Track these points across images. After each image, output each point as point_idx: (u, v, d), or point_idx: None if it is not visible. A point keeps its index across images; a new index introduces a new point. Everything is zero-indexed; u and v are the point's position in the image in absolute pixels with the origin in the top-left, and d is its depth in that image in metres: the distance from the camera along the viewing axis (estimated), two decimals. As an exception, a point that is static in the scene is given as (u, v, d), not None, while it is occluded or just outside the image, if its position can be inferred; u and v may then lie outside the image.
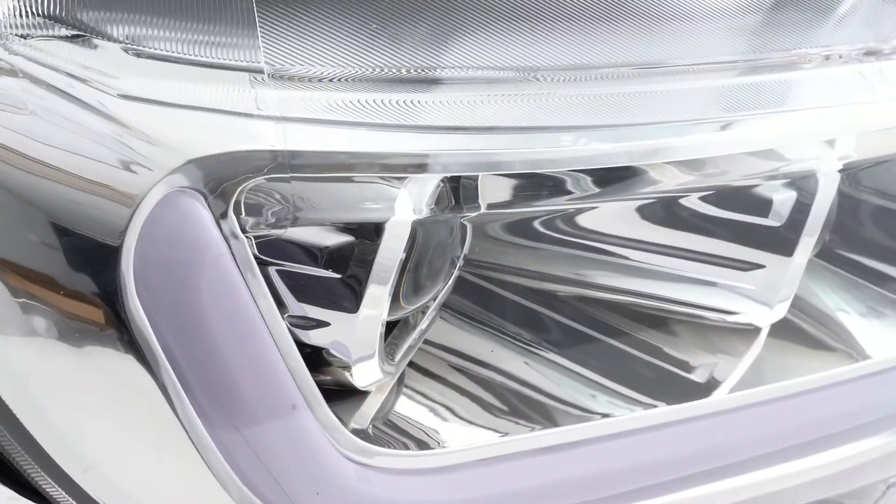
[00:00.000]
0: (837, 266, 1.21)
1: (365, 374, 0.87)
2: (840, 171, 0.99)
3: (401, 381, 0.98)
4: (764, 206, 0.97)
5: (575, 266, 1.03)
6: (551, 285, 1.05)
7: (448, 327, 1.05)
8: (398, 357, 0.92)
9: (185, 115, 0.76)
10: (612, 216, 1.00)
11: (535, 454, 0.91)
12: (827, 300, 1.19)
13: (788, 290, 1.00)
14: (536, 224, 1.02)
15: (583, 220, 1.00)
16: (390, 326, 0.94)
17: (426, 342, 1.02)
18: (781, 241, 0.97)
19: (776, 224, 0.97)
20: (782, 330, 1.13)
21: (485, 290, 1.07)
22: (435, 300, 0.95)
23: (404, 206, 0.80)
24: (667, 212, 0.99)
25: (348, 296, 0.82)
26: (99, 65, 0.77)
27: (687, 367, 1.07)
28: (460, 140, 0.80)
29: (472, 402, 0.97)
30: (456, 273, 0.97)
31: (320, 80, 0.79)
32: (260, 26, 0.78)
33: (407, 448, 0.89)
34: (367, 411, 0.91)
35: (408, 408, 0.94)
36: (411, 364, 0.99)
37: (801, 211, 0.96)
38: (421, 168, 0.79)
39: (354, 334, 0.84)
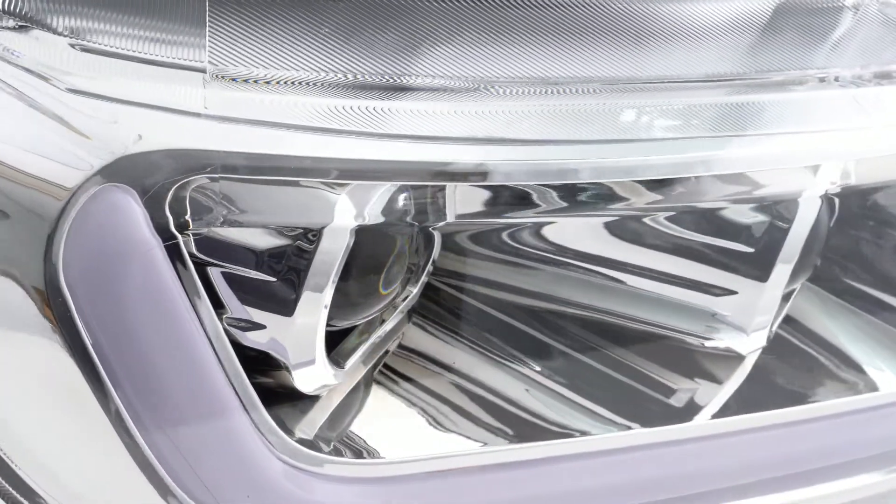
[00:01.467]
0: (839, 292, 1.17)
1: (307, 378, 0.86)
2: (834, 195, 0.96)
3: (366, 387, 0.97)
4: (738, 230, 0.94)
5: (548, 281, 1.01)
6: (525, 299, 1.03)
7: (420, 336, 1.04)
8: (349, 363, 0.91)
9: (123, 111, 0.76)
10: (584, 232, 0.97)
11: (485, 470, 0.89)
12: (827, 327, 1.15)
13: (764, 318, 0.96)
14: (508, 236, 1.00)
15: (555, 235, 0.98)
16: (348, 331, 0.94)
17: (402, 348, 1.01)
18: (756, 266, 0.94)
19: (749, 249, 0.94)
20: (779, 356, 1.10)
21: (462, 301, 1.05)
22: (396, 308, 0.94)
23: (344, 213, 0.79)
24: (640, 231, 0.96)
25: (285, 299, 0.81)
26: (43, 58, 0.78)
27: (666, 391, 1.04)
28: (407, 149, 0.79)
29: (433, 413, 0.95)
30: (423, 280, 0.96)
31: (267, 83, 0.79)
32: (210, 25, 0.78)
33: (354, 456, 0.88)
34: (315, 417, 0.90)
35: (363, 415, 0.93)
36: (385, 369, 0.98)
37: (776, 236, 0.93)
38: (360, 175, 0.78)
39: (292, 338, 0.83)
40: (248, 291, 0.82)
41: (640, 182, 0.88)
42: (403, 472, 0.87)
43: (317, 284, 0.80)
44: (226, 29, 0.78)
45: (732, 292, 0.95)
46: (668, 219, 0.95)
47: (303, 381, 0.86)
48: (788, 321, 1.12)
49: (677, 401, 1.03)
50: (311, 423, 0.89)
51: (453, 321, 1.04)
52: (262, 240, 0.81)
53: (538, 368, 1.02)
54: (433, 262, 0.98)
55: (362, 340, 0.93)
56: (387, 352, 0.98)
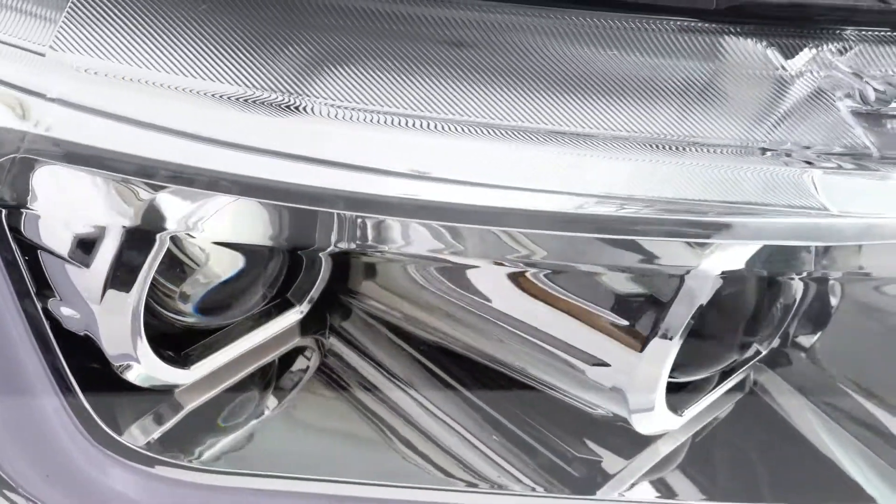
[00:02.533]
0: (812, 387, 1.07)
1: (135, 372, 0.86)
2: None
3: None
4: (619, 299, 0.88)
5: (450, 320, 0.97)
6: (432, 335, 1.00)
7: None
8: (194, 365, 0.90)
9: None
10: (470, 275, 0.93)
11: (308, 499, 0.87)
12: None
13: (649, 397, 0.89)
14: (415, 269, 0.97)
15: (445, 275, 0.94)
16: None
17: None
18: (629, 340, 0.87)
19: (625, 322, 0.87)
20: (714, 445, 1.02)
21: (365, 323, 1.03)
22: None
23: (155, 217, 0.79)
24: (526, 285, 0.91)
25: (93, 289, 0.82)
26: None
27: (565, 456, 0.98)
28: (232, 159, 0.78)
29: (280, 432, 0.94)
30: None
31: (115, 77, 0.79)
32: (69, 10, 0.79)
33: (169, 456, 0.87)
34: (144, 412, 0.90)
35: (198, 419, 0.92)
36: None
37: (654, 312, 0.86)
38: (176, 180, 0.78)
39: (110, 331, 0.83)
40: (66, 276, 0.83)
41: (513, 231, 0.84)
42: (211, 481, 0.86)
43: (122, 282, 0.80)
44: (85, 16, 0.79)
45: (605, 363, 0.88)
46: (554, 278, 0.90)
47: (129, 374, 0.86)
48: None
49: (576, 469, 0.97)
50: (138, 417, 0.89)
51: (358, 343, 1.02)
52: (78, 226, 0.82)
53: (428, 407, 0.99)
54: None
55: (219, 343, 0.93)
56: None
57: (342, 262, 0.99)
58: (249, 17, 0.79)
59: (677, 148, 0.83)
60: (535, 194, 0.81)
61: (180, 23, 0.79)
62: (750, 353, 1.02)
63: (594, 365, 0.89)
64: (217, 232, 0.83)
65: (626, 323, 0.87)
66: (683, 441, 1.00)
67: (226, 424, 0.94)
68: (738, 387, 1.05)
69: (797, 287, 0.98)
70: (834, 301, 1.05)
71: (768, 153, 0.85)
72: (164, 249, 0.81)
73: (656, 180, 0.82)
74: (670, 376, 0.96)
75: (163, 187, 0.79)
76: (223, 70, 0.77)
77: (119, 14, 0.78)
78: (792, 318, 1.01)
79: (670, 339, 0.86)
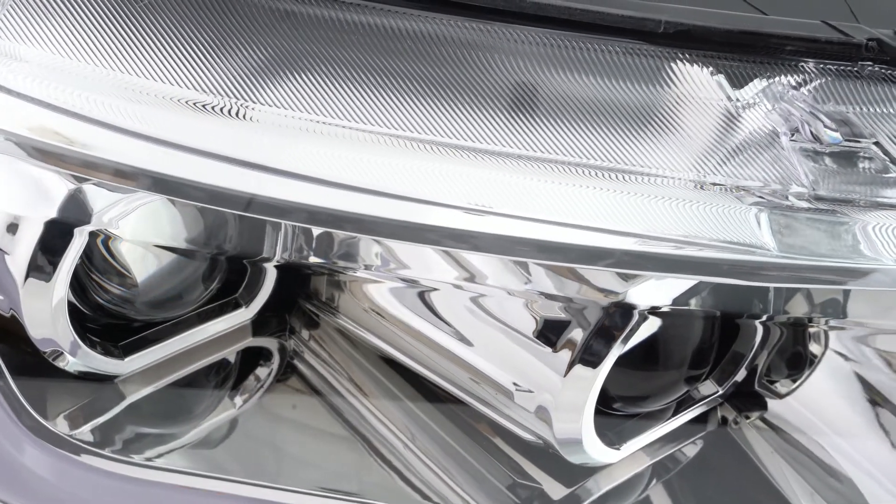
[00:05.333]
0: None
1: (66, 360, 0.88)
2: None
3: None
4: (543, 324, 0.86)
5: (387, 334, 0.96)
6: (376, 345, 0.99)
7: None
8: (130, 357, 0.91)
9: None
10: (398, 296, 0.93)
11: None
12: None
13: (574, 426, 0.86)
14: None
15: (378, 294, 0.94)
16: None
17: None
18: (551, 367, 0.85)
19: (548, 349, 0.85)
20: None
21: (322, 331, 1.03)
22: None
23: (75, 210, 0.80)
24: (447, 303, 0.90)
25: (14, 275, 0.83)
26: None
27: (506, 480, 0.96)
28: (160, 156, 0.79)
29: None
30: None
31: (49, 67, 0.81)
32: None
33: (96, 446, 0.88)
34: (80, 397, 0.91)
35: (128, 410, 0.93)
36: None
37: (581, 339, 0.84)
38: (98, 173, 0.79)
39: (33, 317, 0.85)
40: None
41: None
42: (135, 474, 0.86)
43: (44, 271, 0.82)
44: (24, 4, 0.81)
45: (528, 390, 0.87)
46: (482, 300, 0.88)
47: (64, 363, 0.88)
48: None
49: (517, 495, 0.95)
50: (72, 406, 0.91)
51: (314, 349, 1.02)
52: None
53: (372, 422, 0.98)
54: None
55: (155, 337, 0.94)
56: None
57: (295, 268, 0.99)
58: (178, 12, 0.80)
59: (616, 176, 0.81)
60: (453, 211, 0.80)
61: (115, 16, 0.80)
62: (708, 391, 0.99)
63: (520, 390, 0.87)
64: (137, 231, 0.83)
65: (549, 349, 0.85)
66: (637, 473, 0.98)
67: (165, 420, 0.95)
68: (701, 423, 1.02)
69: (754, 328, 0.95)
70: (813, 347, 1.01)
71: (707, 186, 0.82)
72: (84, 243, 0.82)
73: (591, 207, 0.80)
74: (611, 409, 0.94)
75: (84, 180, 0.80)
76: (144, 63, 0.78)
77: (60, 5, 0.80)
78: (752, 359, 0.97)
79: (594, 367, 0.84)
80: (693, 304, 0.83)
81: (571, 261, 0.81)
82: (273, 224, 0.85)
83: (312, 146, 0.79)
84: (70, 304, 0.87)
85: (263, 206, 0.79)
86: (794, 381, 1.01)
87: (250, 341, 1.01)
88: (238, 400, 0.98)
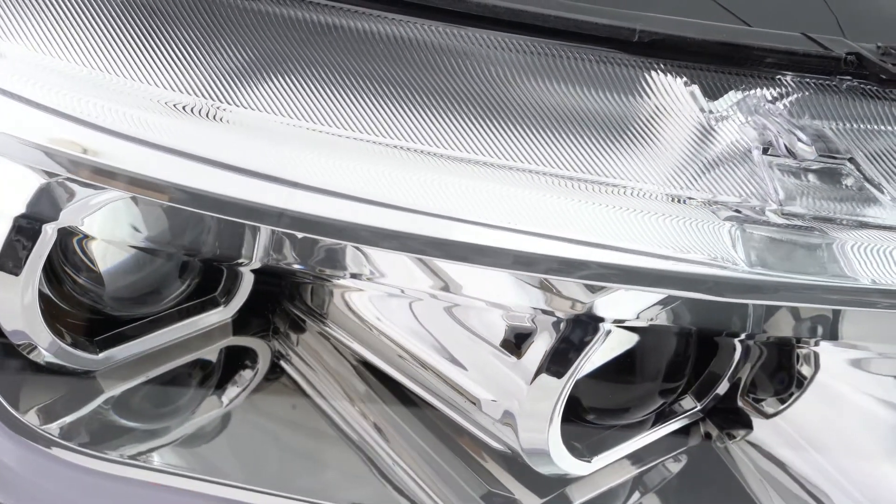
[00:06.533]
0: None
1: (38, 353, 0.89)
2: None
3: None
4: (509, 333, 0.85)
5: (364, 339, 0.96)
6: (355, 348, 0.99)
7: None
8: (104, 352, 0.92)
9: None
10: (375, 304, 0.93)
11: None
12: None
13: (540, 436, 0.86)
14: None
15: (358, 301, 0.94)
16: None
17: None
18: (515, 376, 0.84)
19: (512, 358, 0.84)
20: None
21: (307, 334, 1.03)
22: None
23: (41, 204, 0.81)
24: (417, 310, 0.89)
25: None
26: None
27: (480, 489, 0.95)
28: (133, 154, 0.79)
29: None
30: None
31: (22, 62, 0.81)
32: None
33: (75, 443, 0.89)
34: (55, 391, 0.92)
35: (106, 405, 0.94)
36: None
37: (539, 349, 0.83)
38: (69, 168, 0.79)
39: (3, 310, 0.86)
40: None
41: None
42: (106, 469, 0.87)
43: (9, 264, 0.83)
44: None
45: (494, 399, 0.86)
46: (451, 308, 0.88)
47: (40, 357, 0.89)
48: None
49: (488, 500, 0.95)
50: (48, 399, 0.92)
51: (296, 351, 1.03)
52: None
53: (353, 424, 0.98)
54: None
55: (131, 333, 0.94)
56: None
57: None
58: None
59: (587, 186, 0.80)
60: (423, 217, 0.80)
61: (93, 14, 0.81)
62: (687, 406, 0.97)
63: (487, 398, 0.87)
64: (105, 229, 0.84)
65: (516, 358, 0.84)
66: (612, 487, 0.97)
67: (141, 417, 0.95)
68: (683, 438, 1.01)
69: (733, 345, 0.93)
70: (803, 367, 0.99)
71: (679, 200, 0.81)
72: (54, 239, 0.82)
73: (561, 218, 0.79)
74: (583, 420, 0.93)
75: (53, 176, 0.81)
76: (121, 62, 0.79)
77: (38, 2, 0.81)
78: (732, 375, 0.96)
79: (559, 377, 0.83)
80: (661, 318, 0.82)
81: (542, 271, 0.80)
82: (241, 226, 0.85)
83: (286, 149, 0.79)
84: (48, 297, 0.89)
85: (234, 209, 0.80)
86: (782, 401, 1.00)
87: (231, 340, 1.01)
88: (217, 399, 0.98)
